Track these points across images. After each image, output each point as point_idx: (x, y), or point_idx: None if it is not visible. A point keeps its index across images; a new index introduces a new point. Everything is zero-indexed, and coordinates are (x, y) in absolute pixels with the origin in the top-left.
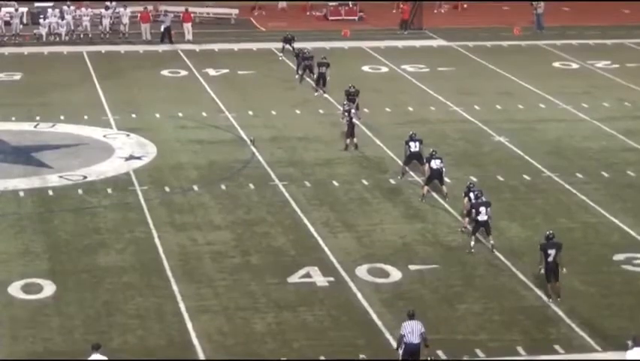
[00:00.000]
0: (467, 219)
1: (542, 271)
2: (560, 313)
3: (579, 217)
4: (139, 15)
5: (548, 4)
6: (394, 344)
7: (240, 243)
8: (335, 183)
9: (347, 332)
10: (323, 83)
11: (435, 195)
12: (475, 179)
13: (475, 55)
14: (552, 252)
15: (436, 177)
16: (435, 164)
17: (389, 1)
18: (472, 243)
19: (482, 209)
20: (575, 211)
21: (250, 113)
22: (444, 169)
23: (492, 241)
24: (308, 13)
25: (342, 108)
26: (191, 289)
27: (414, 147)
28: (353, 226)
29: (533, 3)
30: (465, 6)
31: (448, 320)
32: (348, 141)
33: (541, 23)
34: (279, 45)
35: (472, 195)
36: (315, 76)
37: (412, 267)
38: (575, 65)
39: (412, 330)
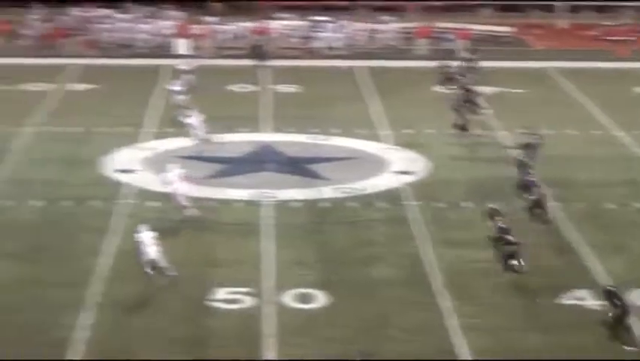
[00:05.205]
0: None
1: None
2: None
3: None
4: (416, 30)
5: None
6: None
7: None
8: (608, 204)
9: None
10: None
11: None
12: None
13: None
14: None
15: None
16: None
17: None
18: None
19: None
20: None
21: (522, 131)
22: None
23: None
24: (584, 33)
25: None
26: (459, 305)
27: None
28: (625, 249)
29: None
30: None
31: None
32: None
33: None
34: (551, 64)
35: None
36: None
37: None
38: None
39: None
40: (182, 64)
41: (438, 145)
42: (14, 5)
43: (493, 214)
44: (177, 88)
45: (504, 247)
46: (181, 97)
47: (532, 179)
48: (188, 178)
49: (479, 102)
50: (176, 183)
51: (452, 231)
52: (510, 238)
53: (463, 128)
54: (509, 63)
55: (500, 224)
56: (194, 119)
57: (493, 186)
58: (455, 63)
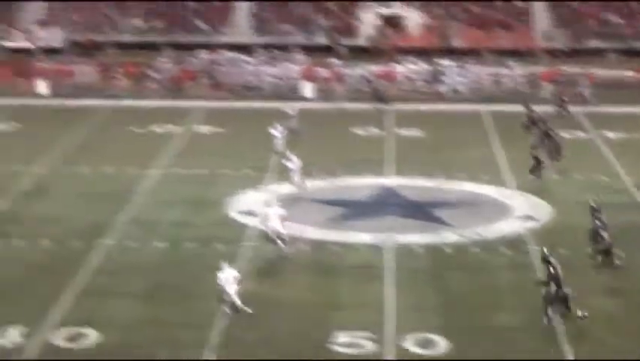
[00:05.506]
0: None
1: None
2: None
3: None
4: (541, 74)
5: None
6: None
7: (632, 309)
8: None
9: None
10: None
11: None
12: None
13: None
14: None
15: None
16: None
17: None
18: None
19: None
20: None
21: None
22: None
23: None
24: None
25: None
26: (582, 353)
27: None
28: None
29: None
30: None
31: None
32: None
33: None
34: None
35: None
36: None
37: None
38: None
39: None
40: (286, 108)
41: (561, 190)
42: (144, 48)
43: (545, 258)
44: (278, 133)
45: (555, 290)
46: (281, 141)
47: (600, 225)
48: (284, 218)
49: (562, 148)
50: (273, 220)
51: (576, 277)
52: (560, 283)
53: (534, 172)
54: (634, 108)
55: (552, 268)
56: (293, 163)
57: (617, 232)
58: (539, 108)
